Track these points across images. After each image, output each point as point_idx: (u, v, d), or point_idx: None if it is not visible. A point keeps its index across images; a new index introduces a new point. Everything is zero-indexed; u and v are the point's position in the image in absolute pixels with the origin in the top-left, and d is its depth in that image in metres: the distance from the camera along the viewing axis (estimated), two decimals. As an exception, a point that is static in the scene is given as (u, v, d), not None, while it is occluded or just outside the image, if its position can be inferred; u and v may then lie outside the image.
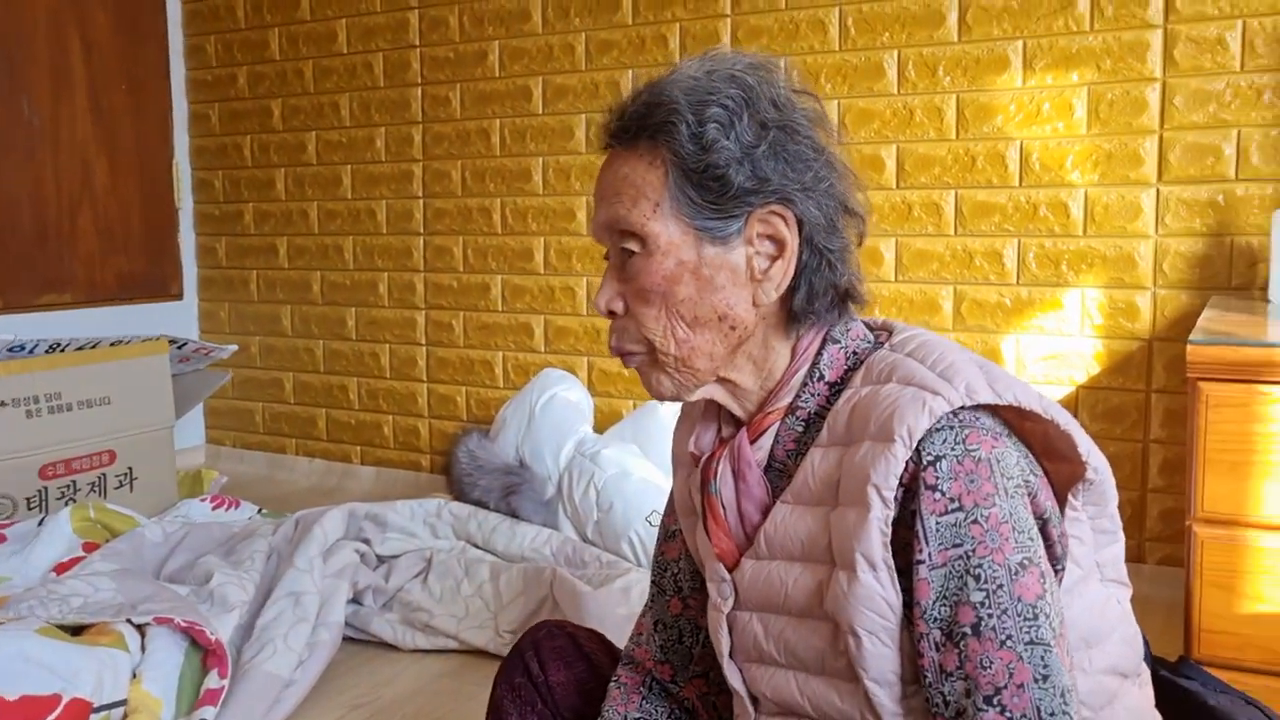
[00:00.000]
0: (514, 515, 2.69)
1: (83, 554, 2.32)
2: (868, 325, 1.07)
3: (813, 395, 1.02)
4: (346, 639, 2.24)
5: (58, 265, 3.48)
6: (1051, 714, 0.85)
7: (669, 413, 2.77)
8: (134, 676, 1.80)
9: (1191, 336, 1.66)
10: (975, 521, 0.88)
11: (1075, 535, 0.98)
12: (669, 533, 1.24)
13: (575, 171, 3.15)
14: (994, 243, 2.62)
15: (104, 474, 2.80)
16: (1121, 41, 2.45)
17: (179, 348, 3.07)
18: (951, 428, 0.90)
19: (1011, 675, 0.86)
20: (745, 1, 2.86)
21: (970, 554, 0.88)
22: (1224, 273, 2.40)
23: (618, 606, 2.18)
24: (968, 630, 0.87)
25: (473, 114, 3.30)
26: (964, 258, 2.65)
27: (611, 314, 1.03)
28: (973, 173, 2.62)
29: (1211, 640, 1.66)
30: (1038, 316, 2.59)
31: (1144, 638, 1.48)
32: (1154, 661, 1.50)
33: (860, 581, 0.91)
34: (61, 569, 2.27)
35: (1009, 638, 0.86)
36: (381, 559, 2.50)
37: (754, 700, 1.06)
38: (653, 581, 1.26)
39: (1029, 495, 0.92)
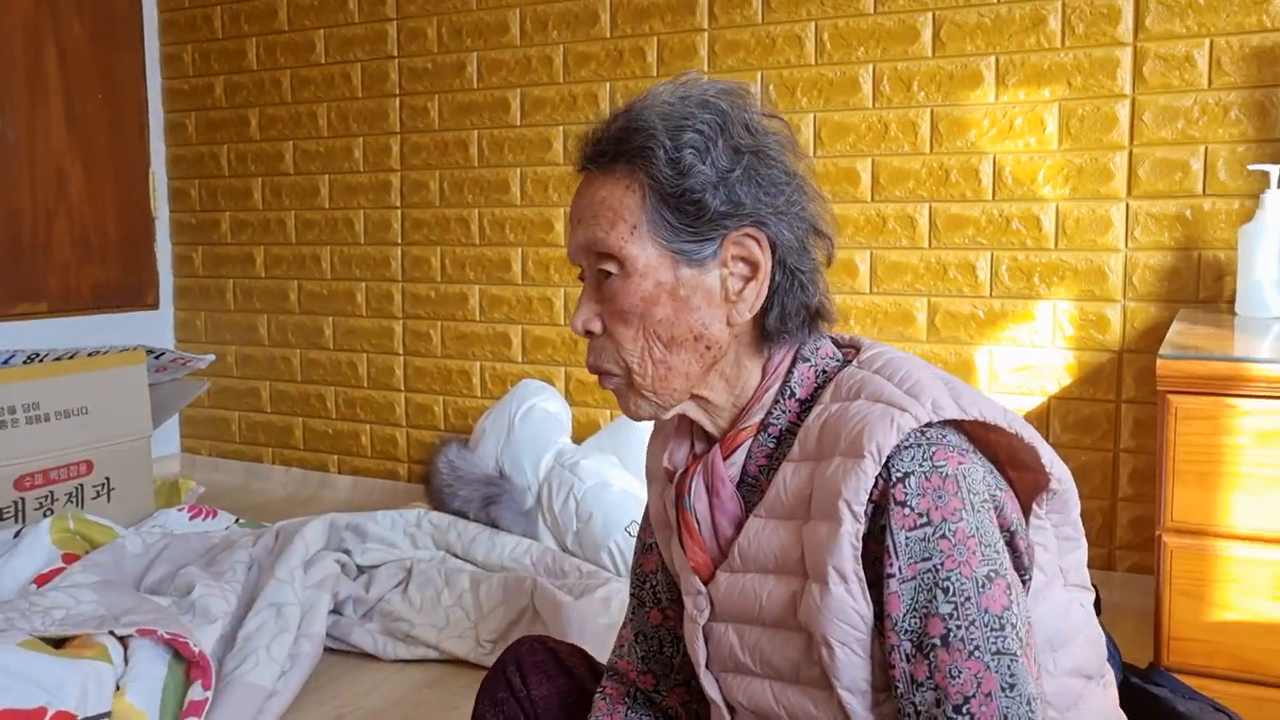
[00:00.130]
0: (494, 525, 2.70)
1: (63, 565, 2.31)
2: (836, 342, 1.10)
3: (784, 412, 1.05)
4: (327, 649, 2.25)
5: (33, 274, 3.46)
6: None
7: (647, 424, 2.79)
8: (118, 689, 1.80)
9: (1161, 351, 1.70)
10: (943, 536, 0.91)
11: (1040, 543, 1.01)
12: (645, 546, 1.26)
13: (553, 183, 3.17)
14: (967, 255, 2.66)
15: (81, 484, 2.79)
16: (1092, 59, 2.49)
17: (156, 357, 3.07)
18: (919, 445, 0.93)
19: (979, 684, 0.88)
20: (722, 16, 2.89)
21: (939, 567, 0.90)
22: (1192, 286, 2.45)
23: (598, 616, 2.20)
24: (937, 641, 0.90)
25: (451, 125, 3.32)
26: (938, 270, 2.69)
27: (589, 333, 1.06)
28: (946, 186, 2.66)
29: (1181, 647, 1.70)
30: (1010, 328, 2.63)
31: (1115, 645, 1.52)
32: (1124, 668, 1.54)
33: (832, 594, 0.94)
34: (42, 580, 2.27)
35: (976, 648, 0.89)
36: (362, 569, 2.51)
37: (731, 709, 1.09)
38: (632, 594, 1.28)
39: (995, 509, 0.95)
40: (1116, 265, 2.51)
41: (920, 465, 0.92)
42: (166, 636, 1.89)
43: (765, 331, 1.05)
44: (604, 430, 2.99)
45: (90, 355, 2.88)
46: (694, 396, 1.06)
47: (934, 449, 0.93)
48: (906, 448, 0.93)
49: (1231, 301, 2.20)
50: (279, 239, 3.68)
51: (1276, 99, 2.34)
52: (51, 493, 2.72)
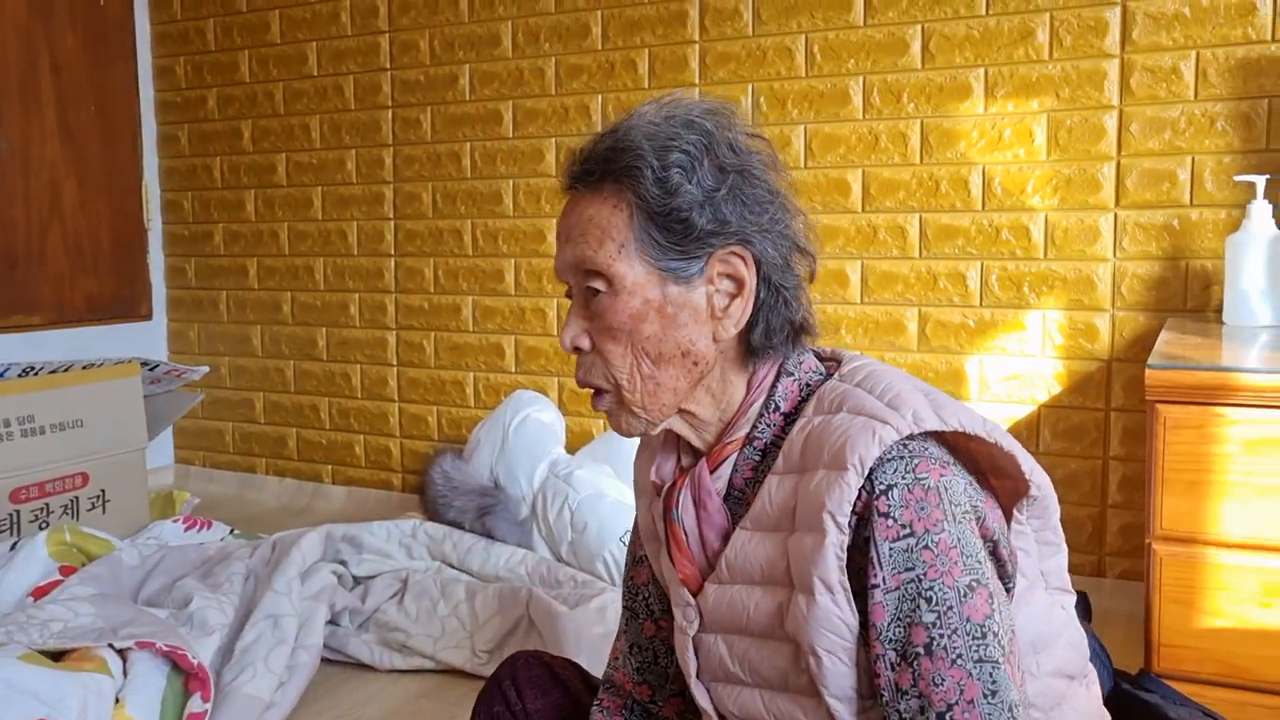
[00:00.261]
0: (489, 536, 2.71)
1: (60, 578, 2.32)
2: (818, 356, 1.12)
3: (769, 425, 1.06)
4: (324, 660, 2.26)
5: (27, 286, 3.47)
6: None
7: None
8: (117, 701, 1.80)
9: (1150, 361, 1.72)
10: (926, 547, 0.92)
11: (1021, 548, 1.03)
12: (636, 558, 1.28)
13: (546, 194, 3.18)
14: (957, 265, 2.68)
15: (76, 496, 2.79)
16: (1080, 70, 2.52)
17: (150, 370, 3.07)
18: (902, 457, 0.95)
19: (962, 692, 0.90)
20: (713, 28, 2.91)
21: (922, 577, 0.92)
22: (1180, 295, 2.47)
23: (594, 626, 2.21)
24: (920, 650, 0.92)
25: (444, 137, 3.33)
26: (928, 280, 2.71)
27: (577, 350, 1.07)
28: (936, 197, 2.69)
29: (1171, 654, 1.72)
30: (1000, 337, 2.65)
31: (1105, 651, 1.53)
32: (1115, 674, 1.56)
33: (818, 604, 0.95)
34: (39, 593, 2.27)
35: (959, 656, 0.91)
36: (358, 580, 2.52)
37: (722, 718, 1.10)
38: (625, 606, 1.30)
39: (977, 520, 0.97)
40: (1105, 275, 2.54)
41: (903, 477, 0.94)
42: (165, 649, 1.90)
43: (750, 347, 1.07)
44: (598, 440, 3.01)
45: (85, 368, 2.88)
46: (681, 412, 1.08)
47: (916, 461, 0.95)
48: (889, 460, 0.95)
49: (1219, 310, 2.23)
50: (272, 250, 3.68)
51: (1262, 110, 2.37)
52: (47, 505, 2.73)
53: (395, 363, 3.51)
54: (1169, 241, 2.47)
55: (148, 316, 3.86)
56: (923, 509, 0.93)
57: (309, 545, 2.44)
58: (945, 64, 2.65)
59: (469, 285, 3.34)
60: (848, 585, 0.95)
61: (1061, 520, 1.09)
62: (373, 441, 3.58)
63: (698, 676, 1.11)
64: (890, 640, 0.93)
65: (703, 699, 1.11)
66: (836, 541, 0.95)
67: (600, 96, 3.08)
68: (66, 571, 2.36)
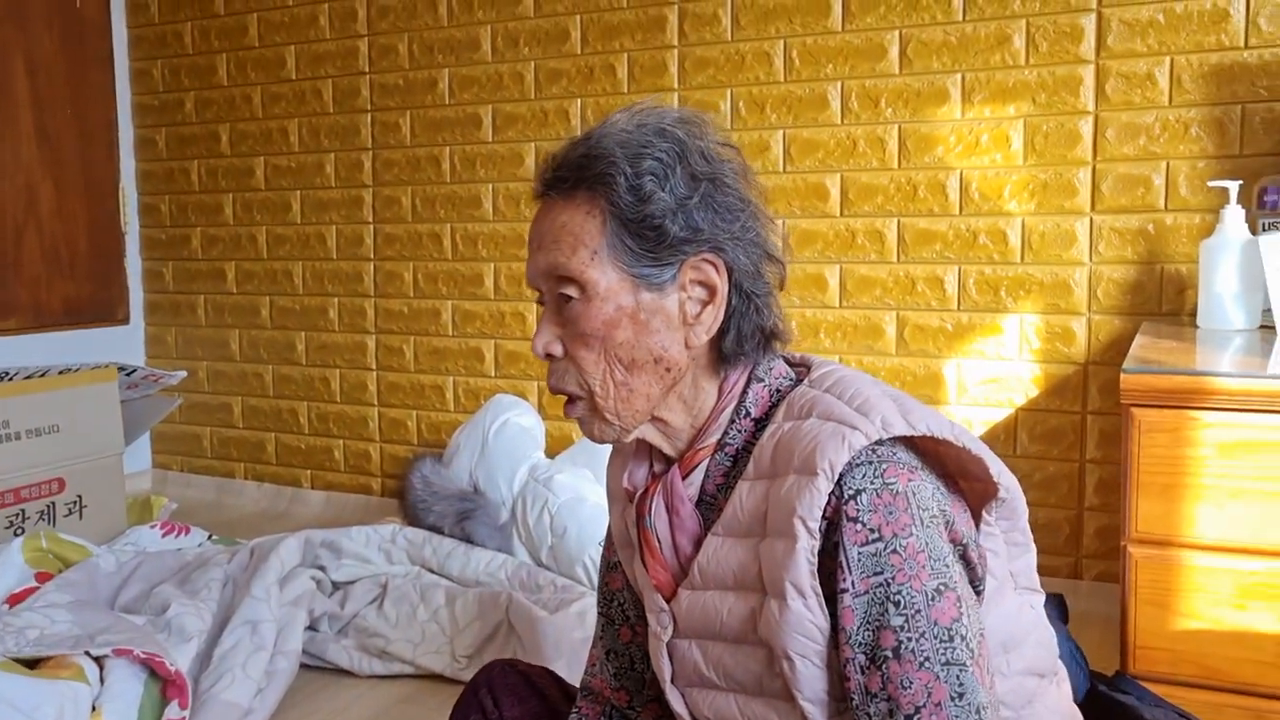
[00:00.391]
0: (468, 540, 2.71)
1: (36, 585, 2.30)
2: (788, 361, 1.13)
3: (739, 431, 1.07)
4: (303, 666, 2.25)
5: (2, 290, 3.44)
6: None
7: (621, 437, 2.81)
8: (94, 709, 1.79)
9: (1125, 365, 1.73)
10: (894, 551, 0.93)
11: (991, 549, 1.04)
12: (610, 564, 1.29)
13: (525, 198, 3.18)
14: (935, 269, 2.69)
15: (53, 502, 2.77)
16: (1055, 76, 2.54)
17: (128, 374, 3.06)
18: (870, 462, 0.96)
19: (930, 694, 0.91)
20: (692, 33, 2.92)
21: (890, 581, 0.93)
22: (1155, 299, 2.49)
23: (574, 630, 2.21)
24: (889, 653, 0.92)
25: (423, 140, 3.33)
26: (906, 284, 2.73)
27: (550, 356, 1.08)
28: (914, 201, 2.70)
29: (1147, 656, 1.73)
30: (978, 341, 2.67)
31: (1081, 653, 1.55)
32: (1091, 676, 1.57)
33: (790, 609, 0.96)
34: (14, 600, 2.25)
35: (927, 659, 0.92)
36: (337, 585, 2.51)
37: (697, 723, 1.11)
38: (600, 612, 1.31)
39: (945, 524, 0.98)
40: (1081, 279, 2.56)
41: (871, 482, 0.95)
42: (142, 656, 1.89)
43: (722, 353, 1.07)
44: (577, 445, 3.01)
45: (61, 373, 2.86)
46: (653, 419, 1.09)
47: (884, 466, 0.96)
48: (858, 465, 0.96)
49: (1193, 314, 2.25)
50: (250, 254, 3.67)
51: (1235, 116, 2.39)
52: (23, 511, 2.71)
53: (374, 367, 3.50)
54: (1144, 246, 2.49)
55: (125, 321, 3.84)
56: (891, 514, 0.94)
57: (287, 551, 2.43)
58: (923, 69, 2.66)
59: (448, 289, 3.34)
60: (819, 589, 0.96)
61: (1039, 523, 1.11)
62: (352, 446, 3.57)
63: (673, 682, 1.12)
64: (859, 644, 0.94)
65: (678, 704, 1.12)
66: (808, 546, 0.95)
67: (579, 101, 3.08)
68: (43, 578, 2.35)
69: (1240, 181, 2.15)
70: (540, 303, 1.09)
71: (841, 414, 0.99)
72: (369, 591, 2.47)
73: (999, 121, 2.60)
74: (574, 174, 1.04)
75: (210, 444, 3.84)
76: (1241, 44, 2.37)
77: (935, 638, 0.92)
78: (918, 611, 0.92)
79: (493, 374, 3.30)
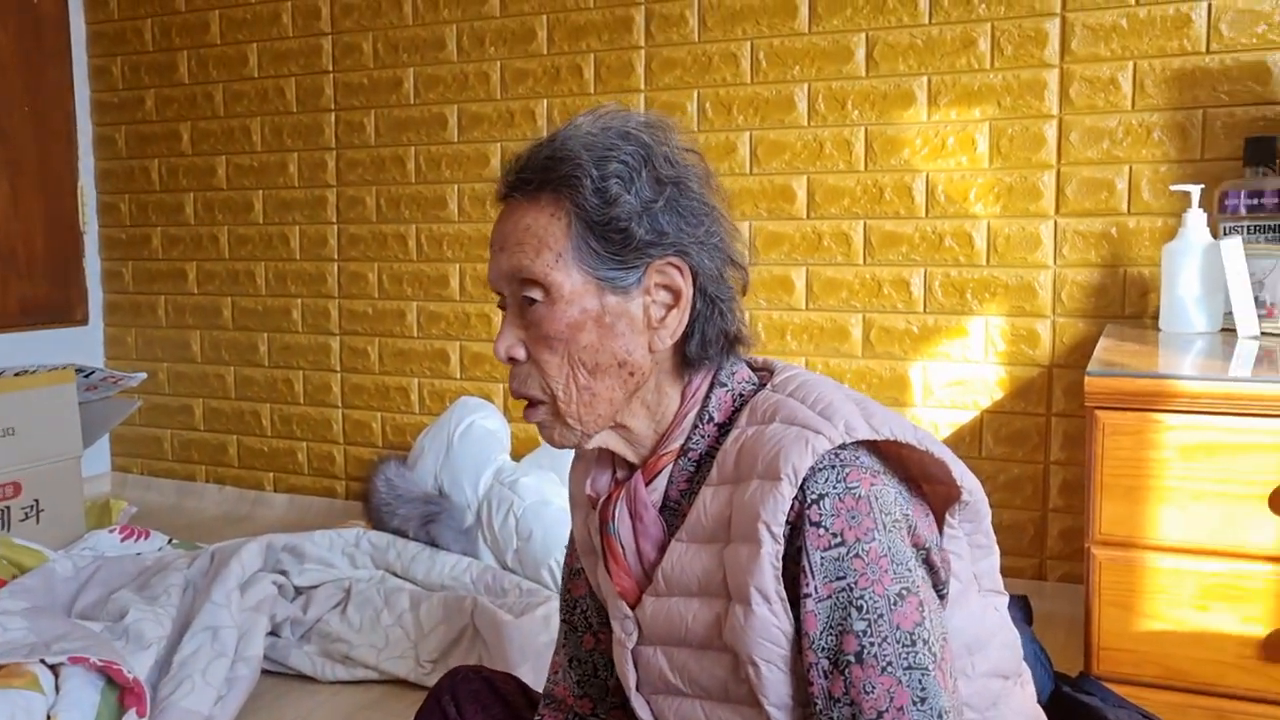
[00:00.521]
0: (433, 544, 2.68)
1: (-11, 592, 2.26)
2: (750, 366, 1.12)
3: (703, 436, 1.07)
4: (265, 672, 2.22)
5: (-44, 291, 3.38)
6: None
7: (587, 439, 2.79)
8: (49, 718, 1.76)
9: (1089, 368, 1.74)
10: (857, 555, 0.93)
11: (954, 551, 1.04)
12: (573, 571, 1.28)
13: (490, 199, 3.12)
14: (901, 272, 2.70)
15: (9, 506, 2.73)
16: (1020, 80, 2.55)
17: (86, 376, 3.01)
18: (833, 467, 0.96)
19: (892, 699, 0.91)
20: (659, 34, 2.91)
21: (852, 586, 0.93)
22: (1118, 302, 2.51)
23: (539, 634, 2.20)
24: (851, 658, 0.92)
25: (388, 140, 3.30)
26: (872, 286, 2.73)
27: (512, 360, 1.06)
28: (881, 204, 2.71)
29: (1110, 657, 1.74)
30: (944, 344, 2.67)
31: (1046, 654, 1.55)
32: (1056, 677, 1.58)
33: (755, 614, 0.96)
34: (-33, 608, 2.21)
35: (889, 664, 0.92)
36: (299, 590, 2.48)
37: (662, 729, 1.10)
38: (563, 619, 1.30)
39: (908, 528, 0.97)
40: (1046, 282, 2.57)
41: (834, 487, 0.95)
42: (99, 664, 1.86)
43: (686, 358, 1.07)
44: (543, 447, 2.99)
45: (18, 374, 2.81)
46: (616, 426, 1.08)
47: (847, 470, 0.96)
48: (821, 469, 0.95)
49: (1155, 317, 2.27)
50: (212, 254, 3.63)
51: (1197, 121, 2.41)
52: (-23, 516, 2.66)
53: (339, 368, 3.47)
54: (1107, 249, 2.51)
55: (84, 321, 3.79)
56: (854, 518, 0.94)
57: (249, 555, 2.40)
58: (889, 71, 2.67)
59: (413, 290, 3.31)
60: (784, 594, 0.96)
61: (1004, 524, 1.11)
62: (315, 448, 3.53)
63: (638, 689, 1.11)
64: (822, 649, 0.94)
65: (643, 711, 1.11)
66: (772, 551, 0.95)
67: (546, 101, 3.07)
68: (-3, 584, 2.31)
69: (1202, 186, 2.17)
70: (502, 306, 1.08)
71: (805, 418, 0.99)
72: (332, 596, 2.44)
73: (964, 124, 2.61)
74: (539, 176, 1.04)
75: (171, 446, 3.79)
76: (1203, 49, 2.39)
77: (898, 642, 0.92)
78: (880, 616, 0.92)
79: (458, 376, 3.28)
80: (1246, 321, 2.01)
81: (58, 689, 1.82)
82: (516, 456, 3.02)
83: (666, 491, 1.08)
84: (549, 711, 1.29)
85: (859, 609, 0.92)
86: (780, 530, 0.95)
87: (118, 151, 3.76)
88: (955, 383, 2.67)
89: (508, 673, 1.41)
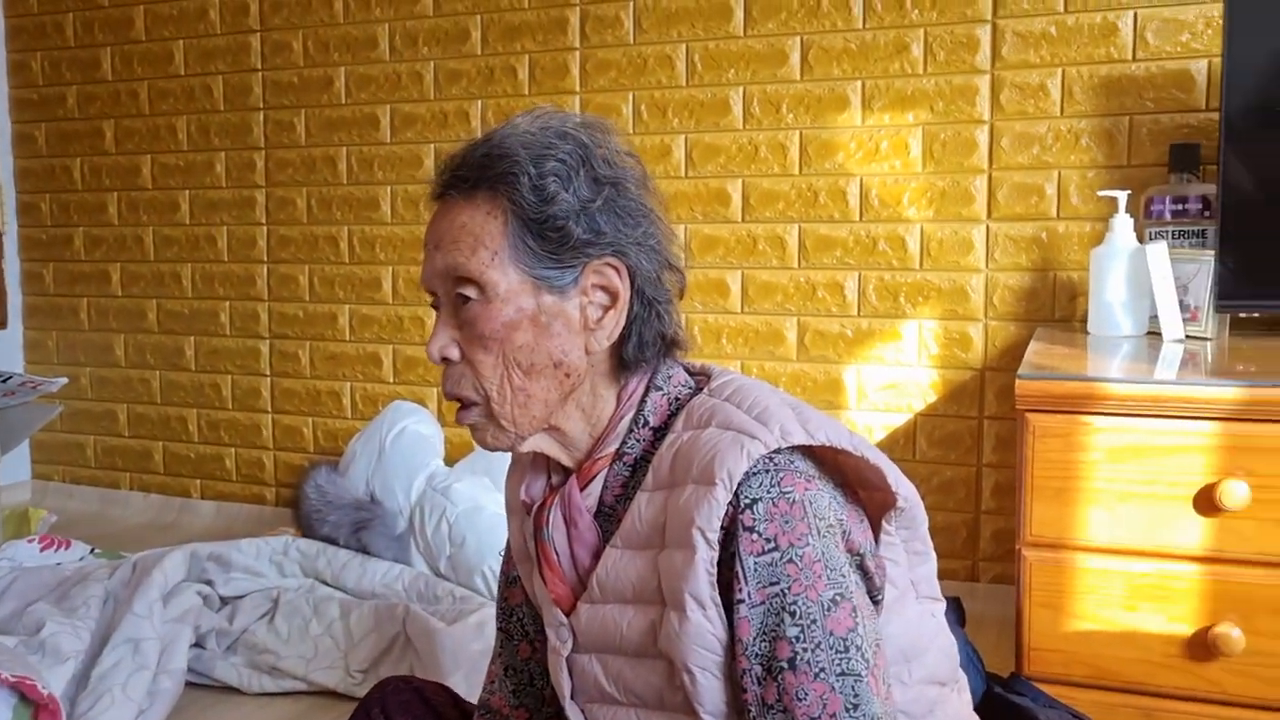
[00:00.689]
0: (365, 551, 2.64)
1: (-103, 606, 2.18)
2: (687, 370, 1.12)
3: (638, 441, 1.06)
4: (189, 684, 2.17)
5: None
6: None
7: (522, 443, 2.77)
8: (-43, 737, 1.70)
9: (1019, 371, 1.75)
10: (790, 561, 0.93)
11: (891, 558, 1.04)
12: (510, 579, 1.26)
13: (424, 200, 3.09)
14: (836, 275, 2.71)
15: (-81, 517, 2.63)
16: (953, 85, 2.57)
17: (4, 381, 2.91)
18: (767, 471, 0.95)
19: (825, 706, 0.91)
20: (594, 36, 2.89)
21: (786, 591, 0.92)
22: (1048, 305, 2.54)
23: (472, 643, 2.17)
24: (785, 664, 0.92)
25: (319, 140, 3.25)
26: (807, 290, 2.74)
27: (446, 361, 1.05)
28: (815, 208, 2.71)
29: (1040, 657, 1.75)
30: (877, 347, 2.69)
31: (978, 655, 1.56)
32: (987, 678, 1.59)
33: (690, 620, 0.95)
34: (-127, 622, 2.13)
35: (822, 670, 0.91)
36: (225, 600, 2.42)
37: (598, 740, 1.09)
38: (499, 628, 1.28)
39: (842, 534, 0.97)
40: (978, 285, 2.60)
41: (768, 491, 0.94)
42: (11, 679, 1.79)
43: (623, 360, 1.06)
44: (477, 452, 2.96)
45: (-71, 380, 2.72)
46: (550, 429, 1.06)
47: (781, 475, 0.95)
48: (755, 474, 0.95)
49: (1084, 321, 2.29)
50: (136, 256, 3.54)
51: (1123, 127, 2.45)
52: (-114, 526, 2.57)
53: (268, 373, 3.40)
54: (1038, 253, 2.54)
55: (2, 325, 3.68)
56: (787, 523, 0.93)
57: (172, 565, 2.33)
58: (823, 75, 2.68)
59: (345, 293, 3.26)
60: (719, 600, 0.95)
61: (937, 526, 1.11)
62: (244, 454, 3.46)
63: (572, 698, 1.10)
64: (756, 655, 0.93)
65: None
66: (707, 557, 0.94)
67: (480, 102, 3.04)
68: (-94, 598, 2.22)
69: (1128, 191, 2.20)
70: (435, 306, 1.06)
71: (741, 423, 0.98)
72: (259, 606, 2.39)
73: (898, 129, 2.63)
74: (475, 173, 1.02)
75: (94, 453, 3.69)
76: (1129, 57, 2.43)
77: (831, 648, 0.91)
78: (813, 622, 0.91)
79: (391, 380, 3.23)
80: (1171, 325, 2.04)
81: (-32, 706, 1.76)
82: (450, 461, 2.99)
83: (601, 496, 1.06)
84: (485, 720, 1.27)
85: (792, 615, 0.92)
86: (715, 536, 0.94)
87: (38, 149, 3.66)
88: (889, 386, 2.68)
89: (439, 682, 1.38)
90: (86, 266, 3.63)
